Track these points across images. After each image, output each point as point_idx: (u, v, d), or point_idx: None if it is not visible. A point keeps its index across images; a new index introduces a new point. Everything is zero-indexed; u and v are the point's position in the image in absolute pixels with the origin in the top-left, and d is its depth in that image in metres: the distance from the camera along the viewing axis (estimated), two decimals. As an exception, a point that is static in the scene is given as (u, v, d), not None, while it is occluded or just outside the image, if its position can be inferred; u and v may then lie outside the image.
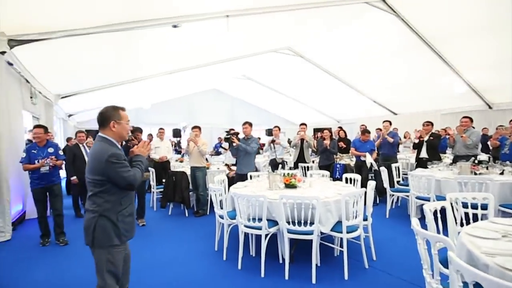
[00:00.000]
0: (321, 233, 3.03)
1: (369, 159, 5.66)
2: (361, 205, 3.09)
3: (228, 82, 12.56)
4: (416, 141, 5.95)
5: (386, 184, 5.01)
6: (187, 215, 5.26)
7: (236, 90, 14.00)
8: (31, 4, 3.23)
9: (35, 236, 4.07)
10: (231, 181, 4.79)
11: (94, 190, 1.91)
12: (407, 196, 4.78)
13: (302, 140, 6.46)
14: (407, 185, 4.78)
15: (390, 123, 6.29)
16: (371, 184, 3.44)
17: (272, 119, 15.61)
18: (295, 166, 6.51)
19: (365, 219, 3.34)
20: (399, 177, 5.61)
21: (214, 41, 6.01)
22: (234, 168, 5.85)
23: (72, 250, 3.81)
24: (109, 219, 1.91)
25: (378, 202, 5.77)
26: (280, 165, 5.65)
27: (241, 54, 7.62)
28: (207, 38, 5.83)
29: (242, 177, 4.68)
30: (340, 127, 8.14)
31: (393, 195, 5.09)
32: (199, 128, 5.32)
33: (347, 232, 2.97)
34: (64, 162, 4.21)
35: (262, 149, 7.54)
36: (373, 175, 5.71)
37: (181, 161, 6.97)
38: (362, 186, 4.14)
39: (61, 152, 4.09)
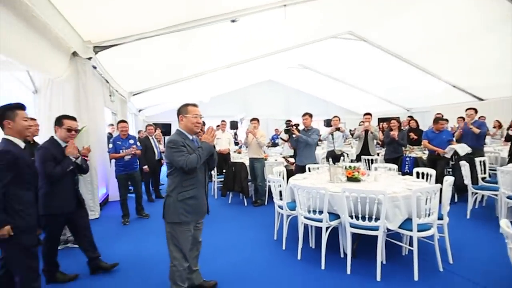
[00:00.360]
0: (388, 229, 2.83)
1: (461, 149, 4.90)
2: (435, 202, 2.78)
3: (284, 72, 12.40)
4: (511, 132, 5.03)
5: (467, 180, 4.39)
6: (245, 204, 5.44)
7: (291, 80, 13.74)
8: (110, 14, 3.66)
9: (117, 216, 4.70)
10: (290, 173, 4.77)
11: (167, 171, 2.26)
12: (495, 195, 4.14)
13: (366, 131, 6.05)
14: (496, 183, 4.13)
15: (476, 111, 5.43)
16: (449, 179, 3.06)
17: (330, 109, 14.95)
18: (358, 159, 6.15)
19: (440, 218, 2.99)
20: (484, 173, 4.83)
21: (271, 32, 5.97)
22: (291, 160, 5.84)
23: (147, 229, 4.31)
24: (172, 198, 2.20)
25: (456, 200, 5.12)
26: (341, 158, 5.36)
27: (298, 43, 7.44)
28: (263, 29, 5.83)
29: (302, 169, 4.64)
30: (411, 117, 7.40)
31: (476, 193, 4.44)
32: (257, 120, 5.42)
33: (418, 231, 2.71)
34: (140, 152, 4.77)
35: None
36: (450, 170, 5.06)
37: (239, 152, 7.18)
38: (437, 182, 3.71)
39: (138, 143, 4.72)
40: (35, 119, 3.32)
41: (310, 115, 4.92)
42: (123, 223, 4.54)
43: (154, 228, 4.27)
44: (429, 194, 2.74)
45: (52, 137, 2.69)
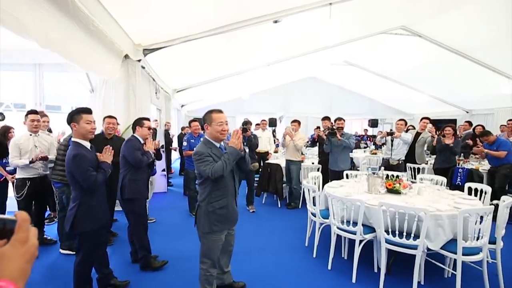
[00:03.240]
0: (428, 249, 2.64)
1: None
2: (487, 224, 2.50)
3: (327, 69, 11.94)
4: None
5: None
6: (279, 206, 5.44)
7: (335, 77, 13.16)
8: (159, 19, 3.89)
9: (163, 207, 5.11)
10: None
11: (198, 181, 2.31)
12: None
13: (417, 134, 5.54)
14: None
15: None
16: (507, 200, 2.73)
17: (376, 108, 14.16)
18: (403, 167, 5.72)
19: (492, 241, 2.70)
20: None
21: (315, 31, 5.79)
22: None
23: (184, 227, 4.43)
24: (203, 209, 2.24)
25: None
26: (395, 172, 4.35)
27: (344, 40, 7.11)
28: (307, 28, 5.68)
29: (338, 174, 4.54)
30: (468, 121, 6.68)
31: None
32: (298, 122, 5.34)
33: (464, 255, 2.48)
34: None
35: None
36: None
37: (276, 152, 7.15)
38: (494, 199, 3.32)
39: None
40: (115, 118, 3.71)
41: (343, 119, 4.91)
42: (191, 215, 4.74)
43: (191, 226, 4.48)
44: (480, 216, 2.48)
45: (133, 135, 3.10)
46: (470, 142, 6.43)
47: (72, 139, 2.30)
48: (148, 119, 3.21)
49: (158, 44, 4.36)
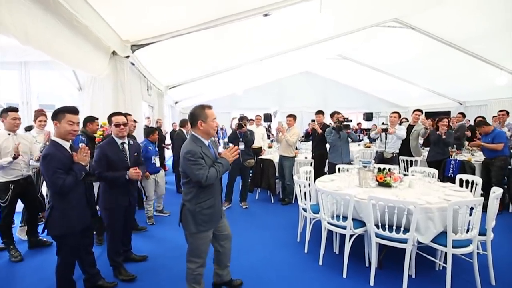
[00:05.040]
0: (418, 242, 2.63)
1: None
2: (477, 216, 2.50)
3: (321, 64, 11.90)
4: None
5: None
6: (272, 201, 5.43)
7: (329, 71, 13.14)
8: (146, 15, 3.80)
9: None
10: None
11: (182, 180, 2.20)
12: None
13: (410, 126, 5.52)
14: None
15: None
16: (497, 191, 2.73)
17: (371, 102, 14.18)
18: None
19: (483, 233, 2.71)
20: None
21: (306, 24, 5.73)
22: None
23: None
24: (188, 209, 2.16)
25: (511, 210, 4.59)
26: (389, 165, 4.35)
27: (336, 33, 7.05)
28: (298, 22, 5.62)
29: (334, 168, 4.59)
30: (462, 113, 6.70)
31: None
32: (293, 117, 5.27)
33: (454, 247, 2.48)
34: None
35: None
36: (507, 177, 4.51)
37: (270, 147, 7.14)
38: (487, 191, 3.30)
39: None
40: (129, 114, 3.74)
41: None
42: None
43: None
44: (470, 208, 2.48)
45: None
46: (468, 133, 6.45)
47: (52, 137, 2.23)
48: (120, 114, 2.87)
49: (147, 39, 4.27)
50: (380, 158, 5.03)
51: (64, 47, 3.02)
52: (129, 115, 3.79)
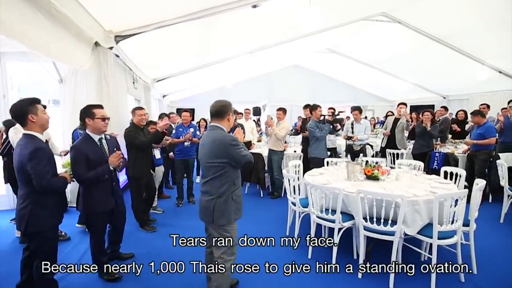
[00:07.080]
0: (405, 234, 2.68)
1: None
2: (461, 208, 2.57)
3: (310, 57, 11.89)
4: None
5: (504, 181, 4.02)
6: (262, 195, 5.43)
7: (318, 65, 13.16)
8: (130, 4, 3.65)
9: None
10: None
11: (215, 173, 2.13)
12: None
13: (395, 120, 5.66)
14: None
15: None
16: (480, 183, 2.80)
17: (358, 95, 14.30)
18: (383, 153, 5.84)
19: (466, 224, 2.78)
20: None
21: (295, 17, 5.67)
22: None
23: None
24: (225, 201, 2.15)
25: (490, 200, 4.75)
26: (361, 154, 4.85)
27: (325, 27, 7.02)
28: (287, 14, 5.55)
29: (323, 162, 4.58)
30: (444, 107, 6.83)
31: (512, 196, 4.06)
32: (283, 110, 5.22)
33: (439, 238, 2.54)
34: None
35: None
36: (487, 169, 4.66)
37: (259, 141, 7.10)
38: (470, 183, 3.40)
39: (198, 132, 5.05)
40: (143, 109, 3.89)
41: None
42: (177, 205, 4.89)
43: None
44: (455, 200, 2.54)
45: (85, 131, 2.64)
46: (457, 128, 6.59)
47: (25, 131, 2.09)
48: (100, 106, 2.61)
49: (131, 30, 4.11)
50: (351, 151, 5.53)
51: (41, 37, 2.87)
52: (142, 108, 3.92)
